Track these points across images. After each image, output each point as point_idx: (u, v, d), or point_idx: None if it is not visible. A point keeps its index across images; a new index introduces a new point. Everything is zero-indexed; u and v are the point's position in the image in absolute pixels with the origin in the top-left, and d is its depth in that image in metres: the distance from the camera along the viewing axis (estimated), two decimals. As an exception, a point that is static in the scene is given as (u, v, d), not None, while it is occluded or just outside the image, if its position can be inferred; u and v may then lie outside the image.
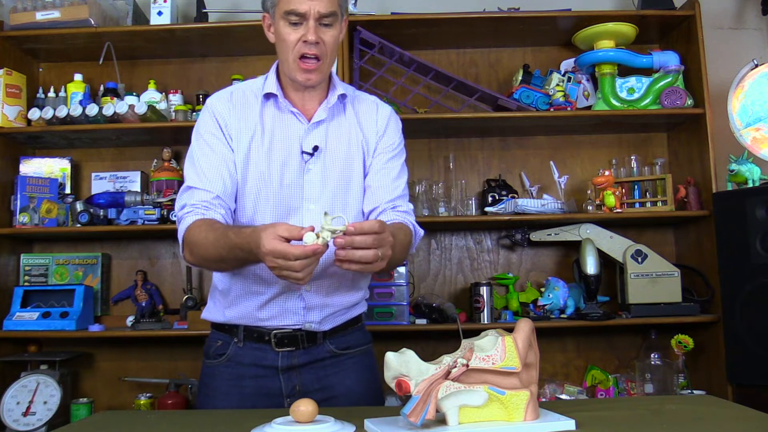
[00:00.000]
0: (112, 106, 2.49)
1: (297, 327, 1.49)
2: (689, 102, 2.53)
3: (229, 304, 1.52)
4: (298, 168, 1.48)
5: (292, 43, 1.42)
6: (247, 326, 1.51)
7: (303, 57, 1.43)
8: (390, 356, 1.03)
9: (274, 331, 1.49)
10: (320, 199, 1.47)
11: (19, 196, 2.51)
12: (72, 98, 2.65)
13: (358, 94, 1.61)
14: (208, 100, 1.53)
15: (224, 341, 1.54)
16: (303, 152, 1.48)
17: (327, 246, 1.18)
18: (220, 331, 1.56)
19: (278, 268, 1.18)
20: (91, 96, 2.68)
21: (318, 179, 1.48)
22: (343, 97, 1.54)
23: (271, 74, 1.53)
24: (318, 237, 1.17)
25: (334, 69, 1.58)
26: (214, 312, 1.57)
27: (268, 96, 1.51)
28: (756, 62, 2.45)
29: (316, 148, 1.48)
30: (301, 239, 1.16)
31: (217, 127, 1.48)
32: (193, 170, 1.46)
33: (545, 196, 2.61)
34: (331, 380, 1.52)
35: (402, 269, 2.48)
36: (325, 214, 1.19)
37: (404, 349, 1.05)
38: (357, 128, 1.55)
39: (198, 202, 1.42)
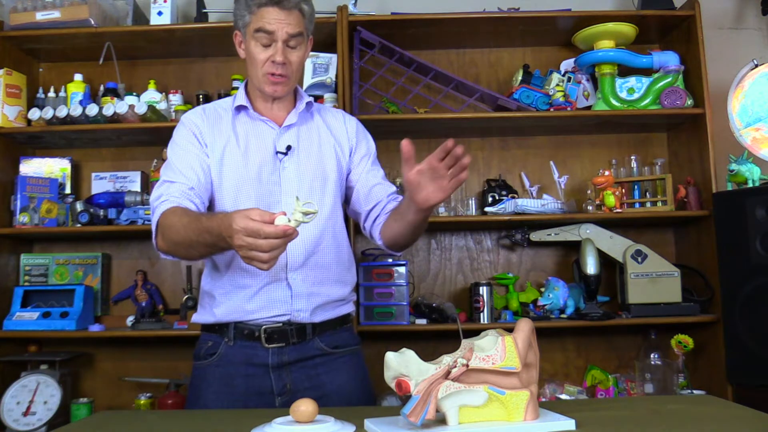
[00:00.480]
0: (112, 106, 2.49)
1: (285, 319, 1.52)
2: (689, 102, 2.53)
3: (219, 302, 1.54)
4: (273, 166, 1.56)
5: (261, 62, 1.54)
6: (237, 323, 1.53)
7: (271, 75, 1.54)
8: (390, 356, 1.03)
9: (264, 326, 1.51)
10: (298, 194, 1.54)
11: (19, 196, 2.51)
12: (72, 98, 2.65)
13: (323, 106, 1.74)
14: (182, 117, 1.65)
15: (214, 341, 1.55)
16: (277, 152, 1.57)
17: (297, 232, 1.19)
18: (210, 332, 1.58)
19: (246, 247, 1.19)
20: (91, 96, 2.68)
21: (294, 176, 1.57)
22: (310, 105, 1.66)
23: (241, 90, 1.65)
24: (290, 221, 1.19)
25: (305, 85, 1.72)
26: (203, 314, 1.59)
27: (238, 109, 1.62)
28: (756, 62, 2.45)
29: (289, 147, 1.58)
30: (272, 223, 1.18)
31: (191, 135, 1.58)
32: (168, 169, 1.56)
33: (545, 196, 2.61)
34: (322, 379, 1.55)
35: (402, 269, 2.49)
36: (297, 198, 1.22)
37: (404, 349, 1.05)
38: (327, 132, 1.66)
39: (174, 191, 1.49)
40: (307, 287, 1.53)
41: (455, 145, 1.28)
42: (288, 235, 1.18)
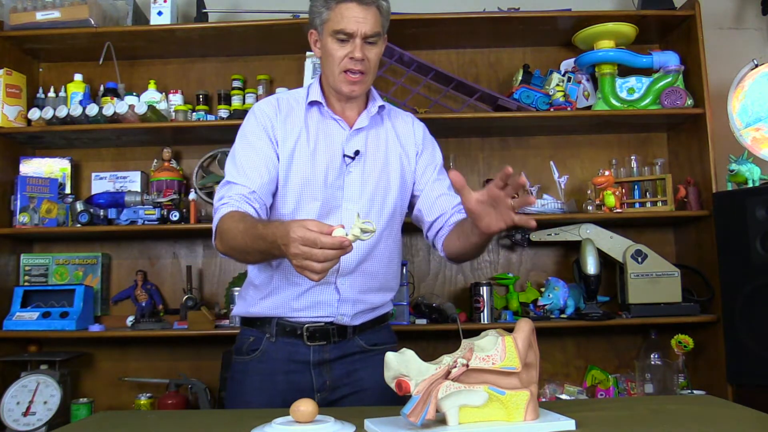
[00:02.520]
0: (112, 106, 2.49)
1: (329, 320, 1.54)
2: (689, 102, 2.53)
3: (266, 295, 1.55)
4: (339, 170, 1.55)
5: (338, 59, 1.52)
6: (280, 319, 1.54)
7: (348, 71, 1.52)
8: (390, 356, 1.03)
9: (307, 325, 1.53)
10: (360, 200, 1.55)
11: (19, 196, 2.51)
12: (72, 98, 2.65)
13: (394, 108, 1.73)
14: (255, 105, 1.62)
15: (257, 337, 1.57)
16: (345, 155, 1.56)
17: (352, 246, 1.19)
18: (251, 327, 1.59)
19: (301, 256, 1.19)
20: (91, 96, 2.68)
21: (358, 181, 1.56)
22: (382, 108, 1.64)
23: (315, 84, 1.62)
24: (347, 235, 1.19)
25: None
26: (246, 307, 1.60)
27: (311, 104, 1.60)
28: (756, 62, 2.45)
29: (357, 152, 1.57)
30: (330, 234, 1.19)
31: (261, 129, 1.55)
32: (233, 166, 1.53)
33: (545, 196, 2.61)
34: (360, 374, 1.57)
35: (402, 269, 2.48)
36: (357, 215, 1.24)
37: (404, 349, 1.05)
38: (395, 139, 1.65)
39: (234, 194, 1.47)
40: (354, 293, 1.54)
41: (514, 172, 1.23)
42: (344, 248, 1.18)
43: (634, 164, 2.71)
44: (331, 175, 1.54)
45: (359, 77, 1.53)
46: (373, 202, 1.57)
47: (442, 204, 1.63)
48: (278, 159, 1.53)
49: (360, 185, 1.56)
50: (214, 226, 1.48)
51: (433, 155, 1.69)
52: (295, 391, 1.50)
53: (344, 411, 1.19)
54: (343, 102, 1.60)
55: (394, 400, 1.49)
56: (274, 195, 1.55)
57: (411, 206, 1.69)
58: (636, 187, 2.65)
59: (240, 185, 1.49)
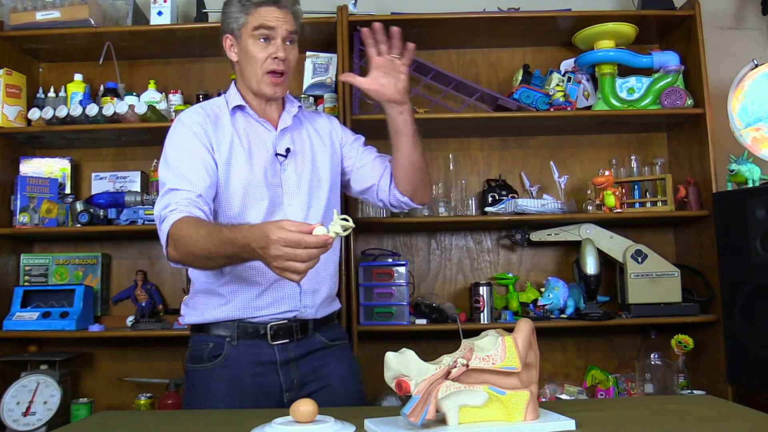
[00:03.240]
0: (112, 106, 2.49)
1: (292, 315, 1.55)
2: (689, 102, 2.53)
3: (225, 300, 1.53)
4: (275, 169, 1.59)
5: (261, 60, 1.56)
6: (241, 321, 1.53)
7: (271, 72, 1.57)
8: (390, 356, 1.03)
9: (270, 323, 1.53)
10: (298, 195, 1.59)
11: (19, 196, 2.51)
12: (72, 98, 2.65)
13: (304, 111, 1.78)
14: (181, 115, 1.62)
15: (216, 342, 1.54)
16: (277, 154, 1.60)
17: (332, 243, 1.22)
18: (207, 333, 1.56)
19: (282, 258, 1.19)
20: (91, 96, 2.68)
21: (294, 178, 1.60)
22: (299, 109, 1.71)
23: (233, 90, 1.66)
24: (329, 232, 1.21)
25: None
26: (200, 315, 1.56)
27: (235, 109, 1.63)
28: (756, 62, 2.45)
29: (288, 150, 1.62)
30: (310, 233, 1.20)
31: (194, 136, 1.55)
32: (171, 174, 1.51)
33: (545, 196, 2.61)
34: (325, 370, 1.59)
35: (402, 269, 2.49)
36: (336, 212, 1.26)
37: (404, 349, 1.05)
38: (317, 136, 1.71)
39: (181, 200, 1.45)
40: (312, 284, 1.56)
41: (369, 31, 1.39)
42: (326, 246, 1.20)
43: (634, 164, 2.71)
44: (270, 174, 1.57)
45: (281, 79, 1.57)
46: (312, 194, 1.61)
47: (379, 163, 1.72)
48: (216, 164, 1.54)
49: (296, 181, 1.60)
50: (164, 233, 1.44)
51: (354, 135, 1.78)
52: (263, 393, 1.51)
53: (344, 411, 1.19)
54: (263, 104, 1.64)
55: (359, 392, 1.62)
56: (215, 200, 1.54)
57: (349, 185, 1.77)
58: (636, 187, 2.65)
59: (185, 191, 1.46)
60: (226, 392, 1.51)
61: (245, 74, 1.61)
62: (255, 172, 1.55)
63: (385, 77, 1.48)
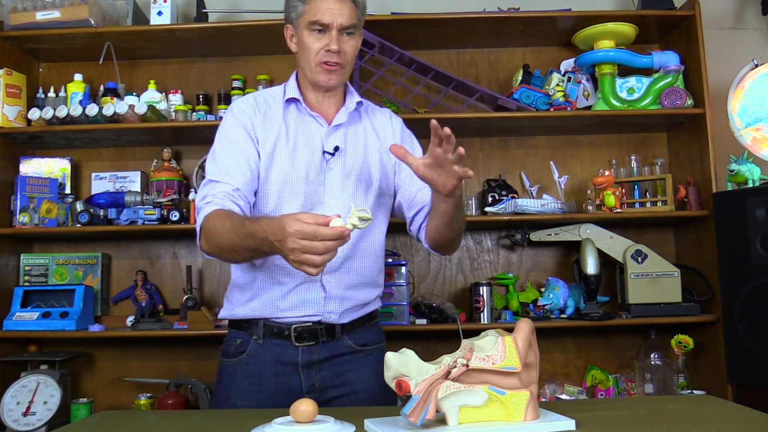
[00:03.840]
0: (112, 106, 2.49)
1: (316, 319, 1.52)
2: (689, 102, 2.53)
3: (251, 296, 1.54)
4: (320, 166, 1.55)
5: (315, 51, 1.52)
6: (267, 320, 1.53)
7: (325, 62, 1.52)
8: (390, 356, 1.03)
9: (294, 325, 1.52)
10: (341, 195, 1.55)
11: (19, 196, 2.51)
12: (72, 98, 2.65)
13: (371, 105, 1.72)
14: (233, 104, 1.61)
15: (243, 339, 1.55)
16: (324, 152, 1.56)
17: (350, 236, 1.19)
18: (238, 330, 1.58)
19: (299, 250, 1.17)
20: (91, 96, 2.68)
21: (339, 177, 1.56)
22: (359, 104, 1.64)
23: (292, 81, 1.62)
24: (345, 224, 1.19)
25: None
26: (232, 309, 1.58)
27: (289, 101, 1.59)
28: (756, 62, 2.45)
29: (336, 148, 1.56)
30: (327, 225, 1.18)
31: (241, 127, 1.54)
32: (214, 165, 1.51)
33: (545, 196, 2.61)
34: (350, 376, 1.56)
35: (402, 269, 2.49)
36: (353, 204, 1.24)
37: (404, 349, 1.05)
38: (374, 134, 1.65)
39: (218, 193, 1.45)
40: (341, 290, 1.54)
41: (439, 125, 1.29)
42: (343, 238, 1.17)
43: (634, 164, 2.71)
44: (312, 171, 1.54)
45: (336, 67, 1.52)
46: (355, 197, 1.56)
47: (421, 197, 1.61)
48: (259, 157, 1.52)
49: (341, 181, 1.55)
50: (198, 225, 1.45)
51: (411, 149, 1.62)
52: (284, 393, 1.50)
53: (344, 411, 1.19)
54: (320, 97, 1.59)
55: (386, 402, 1.52)
56: (255, 193, 1.53)
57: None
58: (636, 187, 2.65)
59: (223, 183, 1.47)
60: (247, 389, 1.52)
61: (301, 65, 1.58)
62: (296, 168, 1.52)
63: (438, 169, 1.35)
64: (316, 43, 1.51)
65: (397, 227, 2.45)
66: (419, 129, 2.64)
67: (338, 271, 1.53)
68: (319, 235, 1.16)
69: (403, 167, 1.63)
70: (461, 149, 1.29)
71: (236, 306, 1.57)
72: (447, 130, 1.28)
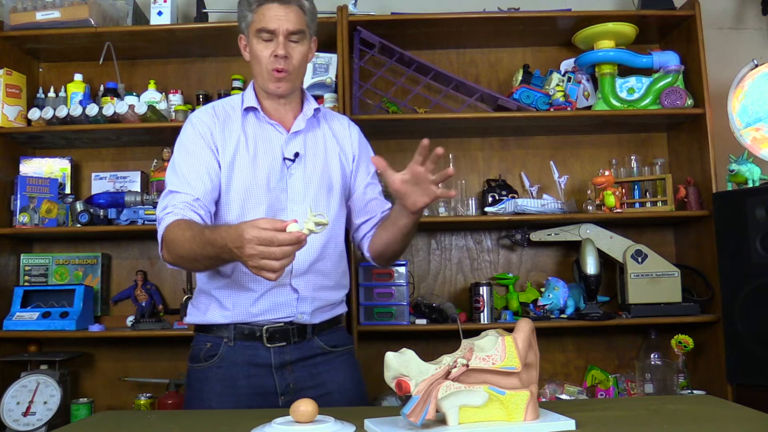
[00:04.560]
0: (112, 106, 2.49)
1: (288, 320, 1.53)
2: (689, 102, 2.53)
3: (220, 303, 1.54)
4: (281, 173, 1.56)
5: (264, 59, 1.54)
6: (237, 324, 1.53)
7: (274, 70, 1.54)
8: (390, 356, 1.03)
9: (266, 326, 1.52)
10: (304, 201, 1.56)
11: (19, 196, 2.51)
12: (72, 98, 2.65)
13: (329, 111, 1.75)
14: (191, 115, 1.62)
15: (214, 343, 1.55)
16: (285, 158, 1.57)
17: (306, 240, 1.21)
18: (207, 333, 1.57)
19: (257, 256, 1.19)
20: (91, 96, 2.68)
21: (300, 183, 1.57)
22: (317, 111, 1.65)
23: (249, 90, 1.64)
24: (302, 230, 1.20)
25: (305, 85, 1.73)
26: (200, 315, 1.58)
27: (247, 110, 1.61)
28: (756, 62, 2.45)
29: (296, 155, 1.58)
30: (284, 231, 1.19)
31: (200, 137, 1.55)
32: (174, 176, 1.53)
33: (545, 196, 2.61)
34: (324, 377, 1.57)
35: (402, 269, 2.49)
36: (309, 209, 1.25)
37: (404, 349, 1.05)
38: (333, 140, 1.67)
39: (178, 203, 1.47)
40: (311, 292, 1.55)
41: (430, 144, 1.33)
42: (300, 242, 1.19)
43: (634, 164, 2.71)
44: (274, 178, 1.55)
45: (284, 74, 1.54)
46: (318, 202, 1.58)
47: (372, 207, 1.66)
48: (219, 166, 1.54)
49: (303, 186, 1.57)
50: (159, 236, 1.46)
51: (368, 159, 1.69)
52: (257, 395, 1.50)
53: (344, 411, 1.19)
54: (277, 105, 1.61)
55: (360, 402, 1.58)
56: (217, 202, 1.54)
57: None
58: (636, 187, 2.65)
59: (183, 193, 1.48)
60: (220, 392, 1.51)
61: (255, 73, 1.59)
62: (257, 176, 1.54)
63: (413, 186, 1.40)
64: (265, 50, 1.53)
65: (397, 227, 2.43)
66: (419, 129, 2.67)
67: (307, 274, 1.54)
68: (276, 240, 1.18)
69: (360, 174, 1.68)
70: (450, 170, 1.36)
71: (205, 312, 1.56)
72: (439, 150, 1.33)
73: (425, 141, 1.33)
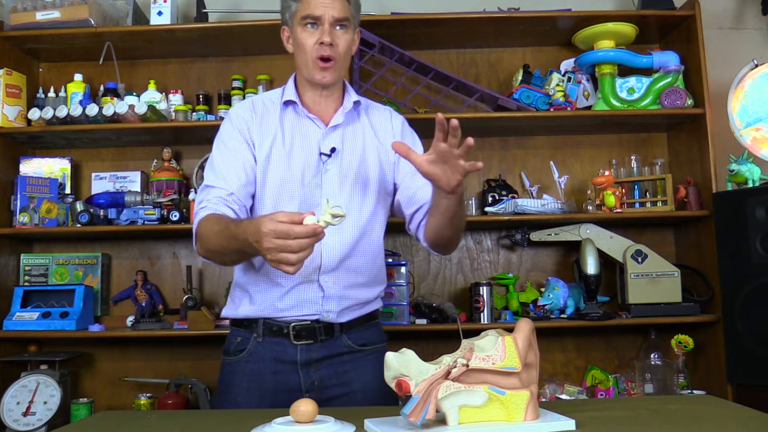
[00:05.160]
0: (112, 106, 2.49)
1: (314, 318, 1.53)
2: (689, 102, 2.53)
3: (251, 296, 1.55)
4: (316, 168, 1.55)
5: (309, 46, 1.52)
6: (266, 319, 1.54)
7: (320, 58, 1.52)
8: (390, 356, 1.03)
9: (293, 323, 1.52)
10: (339, 197, 1.54)
11: (19, 196, 2.51)
12: (72, 98, 2.65)
13: (371, 103, 1.71)
14: (231, 110, 1.63)
15: (244, 337, 1.56)
16: (321, 153, 1.56)
17: (324, 233, 1.19)
18: (239, 328, 1.59)
19: (274, 250, 1.18)
20: (91, 96, 2.68)
21: (335, 178, 1.56)
22: (357, 104, 1.63)
23: (290, 84, 1.63)
24: (319, 222, 1.19)
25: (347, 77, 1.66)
26: (233, 308, 1.60)
27: (287, 104, 1.60)
28: (756, 62, 2.45)
29: (333, 150, 1.56)
30: (301, 223, 1.18)
31: (237, 132, 1.56)
32: (211, 171, 1.54)
33: (545, 196, 2.61)
34: (350, 375, 1.56)
35: (402, 269, 2.49)
36: (327, 200, 1.23)
37: (404, 349, 1.05)
38: (372, 134, 1.64)
39: (213, 197, 1.48)
40: (339, 290, 1.54)
41: (444, 118, 1.28)
42: (317, 235, 1.18)
43: (634, 164, 2.71)
44: (308, 173, 1.54)
45: (330, 63, 1.52)
46: (353, 197, 1.56)
47: (421, 195, 1.59)
48: (255, 161, 1.54)
49: (338, 182, 1.55)
50: (194, 230, 1.48)
51: (412, 147, 1.63)
52: (283, 391, 1.50)
53: (344, 411, 1.19)
54: (318, 97, 1.59)
55: (385, 402, 1.50)
56: (253, 197, 1.55)
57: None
58: (636, 187, 2.65)
59: (218, 188, 1.49)
60: (247, 387, 1.53)
61: (299, 63, 1.58)
62: (292, 171, 1.53)
63: (442, 166, 1.34)
64: (310, 38, 1.51)
65: (396, 227, 2.45)
66: (419, 129, 2.66)
67: (336, 271, 1.53)
68: (293, 233, 1.17)
69: (403, 165, 1.62)
70: (470, 140, 1.27)
71: (238, 305, 1.58)
72: (454, 122, 1.27)
73: (440, 116, 1.29)
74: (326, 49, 1.51)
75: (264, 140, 1.55)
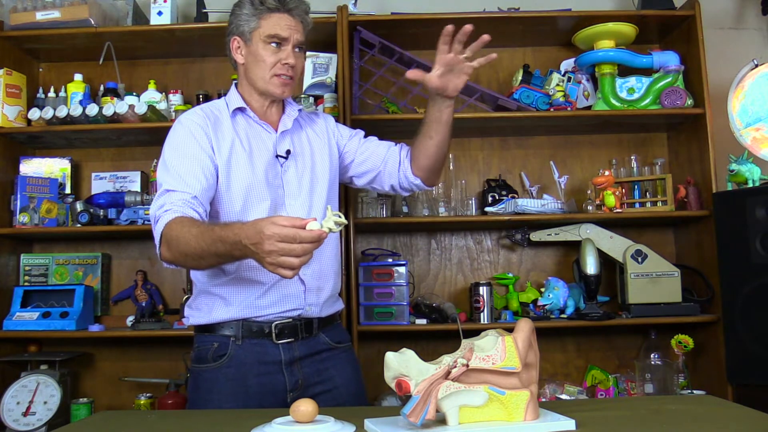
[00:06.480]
0: (112, 106, 2.49)
1: (297, 314, 1.56)
2: (689, 102, 2.53)
3: (224, 300, 1.54)
4: (276, 170, 1.62)
5: (271, 64, 1.59)
6: (245, 320, 1.54)
7: (280, 75, 1.60)
8: (390, 356, 1.03)
9: (275, 322, 1.54)
10: (299, 195, 1.62)
11: (19, 196, 2.51)
12: (72, 98, 2.65)
13: (303, 111, 1.80)
14: (180, 117, 1.63)
15: (221, 342, 1.54)
16: (278, 156, 1.63)
17: (323, 240, 1.24)
18: (212, 333, 1.56)
19: (277, 253, 1.20)
20: (91, 96, 2.68)
21: (294, 178, 1.63)
22: (299, 111, 1.73)
23: (234, 92, 1.68)
24: (322, 227, 1.22)
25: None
26: (205, 315, 1.57)
27: (236, 111, 1.65)
28: (756, 62, 2.45)
29: (288, 152, 1.64)
30: (302, 228, 1.21)
31: (191, 137, 1.55)
32: (168, 176, 1.52)
33: (545, 196, 2.61)
34: (331, 372, 1.60)
35: (402, 269, 2.49)
36: (329, 208, 1.28)
37: (404, 349, 1.05)
38: (314, 134, 1.75)
39: (176, 200, 1.46)
40: (316, 281, 1.58)
41: (454, 29, 1.43)
42: (320, 241, 1.22)
43: (634, 164, 2.71)
44: (271, 175, 1.59)
45: (290, 80, 1.61)
46: (313, 194, 1.64)
47: (383, 149, 1.76)
48: (215, 166, 1.55)
49: (297, 181, 1.62)
50: (158, 234, 1.44)
51: (350, 130, 1.82)
52: (268, 393, 1.51)
53: (344, 411, 1.19)
54: (265, 107, 1.66)
55: (363, 395, 1.63)
56: (214, 202, 1.55)
57: (354, 176, 1.80)
58: (636, 187, 2.65)
59: (180, 192, 1.47)
60: (231, 392, 1.51)
61: (251, 76, 1.62)
62: (256, 174, 1.57)
63: (449, 75, 1.53)
64: (272, 56, 1.58)
65: (397, 227, 2.47)
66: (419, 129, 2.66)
67: (311, 262, 1.52)
68: (299, 238, 1.19)
69: (350, 141, 1.77)
70: (485, 36, 1.46)
71: (210, 311, 1.56)
72: (467, 27, 1.44)
73: (448, 27, 1.41)
74: (289, 70, 1.59)
75: (222, 145, 1.57)
